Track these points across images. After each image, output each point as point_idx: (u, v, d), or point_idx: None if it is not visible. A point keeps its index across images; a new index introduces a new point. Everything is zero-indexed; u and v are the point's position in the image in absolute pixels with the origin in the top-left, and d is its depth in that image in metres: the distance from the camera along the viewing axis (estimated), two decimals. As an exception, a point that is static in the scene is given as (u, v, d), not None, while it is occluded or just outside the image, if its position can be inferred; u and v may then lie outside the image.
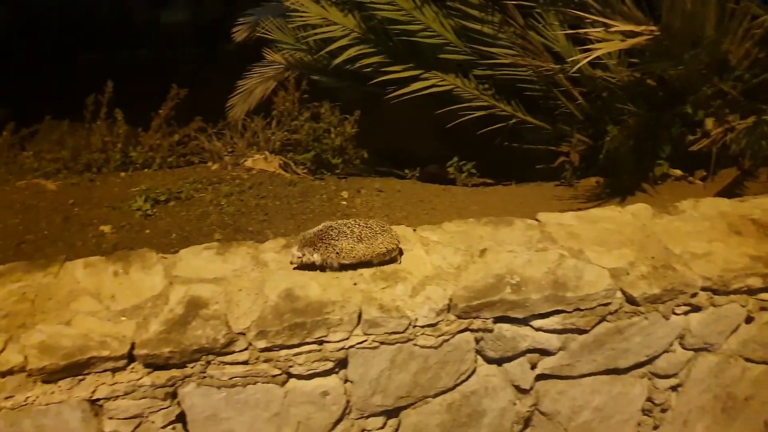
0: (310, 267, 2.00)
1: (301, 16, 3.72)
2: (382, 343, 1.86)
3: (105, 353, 1.70)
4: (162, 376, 1.77)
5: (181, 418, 1.86)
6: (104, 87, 3.56)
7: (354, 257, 1.97)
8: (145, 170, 3.65)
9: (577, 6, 3.16)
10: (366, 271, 2.00)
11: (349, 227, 1.98)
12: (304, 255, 1.97)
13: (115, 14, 7.83)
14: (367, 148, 4.08)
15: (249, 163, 3.54)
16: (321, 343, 1.83)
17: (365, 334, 1.84)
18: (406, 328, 1.85)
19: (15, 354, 1.68)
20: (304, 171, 3.72)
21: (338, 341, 1.83)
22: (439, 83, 3.78)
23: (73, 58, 7.33)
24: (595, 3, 2.92)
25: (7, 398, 1.68)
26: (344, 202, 3.36)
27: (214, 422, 1.87)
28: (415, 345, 1.88)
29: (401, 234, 2.17)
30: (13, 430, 1.72)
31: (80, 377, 1.72)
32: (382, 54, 3.77)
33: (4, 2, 7.57)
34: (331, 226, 2.00)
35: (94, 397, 1.74)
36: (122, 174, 3.54)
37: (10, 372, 1.66)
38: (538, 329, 1.94)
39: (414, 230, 2.25)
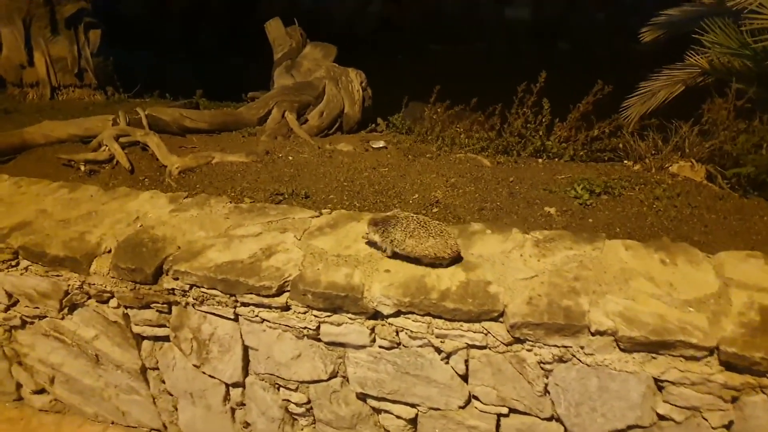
0: (374, 245, 2.17)
1: (759, 18, 3.39)
2: None
3: (692, 340, 1.71)
4: (736, 378, 1.72)
5: (729, 425, 1.79)
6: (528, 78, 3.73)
7: (403, 250, 2.07)
8: (556, 160, 3.77)
9: None
10: None
11: (408, 221, 2.08)
12: (369, 232, 2.15)
13: (462, 10, 8.44)
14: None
15: (674, 168, 3.38)
16: None
17: None
18: None
19: (603, 317, 1.80)
20: (728, 186, 3.41)
21: None
22: None
23: (424, 48, 8.15)
24: None
25: (587, 354, 1.81)
26: (795, 232, 2.97)
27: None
28: None
29: None
30: (580, 384, 1.86)
31: (653, 355, 1.77)
32: None
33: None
34: (396, 216, 2.11)
35: (661, 378, 1.78)
36: (539, 160, 3.72)
37: (600, 333, 1.78)
38: None
39: None
